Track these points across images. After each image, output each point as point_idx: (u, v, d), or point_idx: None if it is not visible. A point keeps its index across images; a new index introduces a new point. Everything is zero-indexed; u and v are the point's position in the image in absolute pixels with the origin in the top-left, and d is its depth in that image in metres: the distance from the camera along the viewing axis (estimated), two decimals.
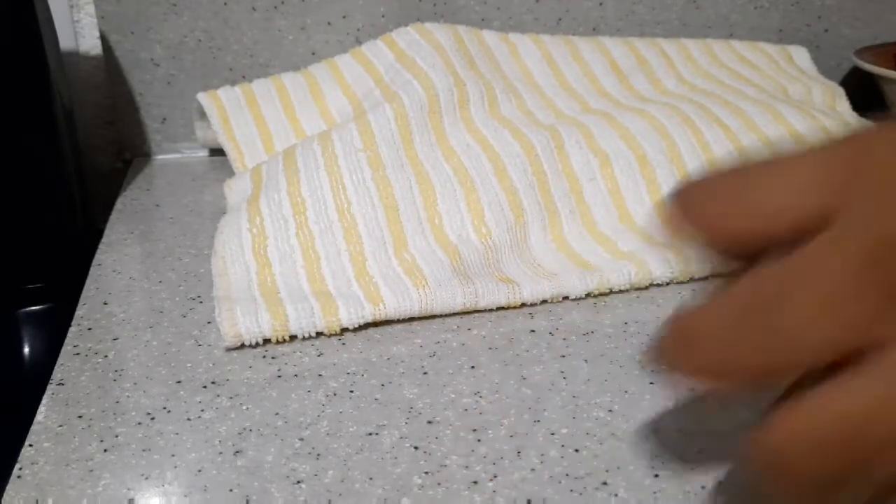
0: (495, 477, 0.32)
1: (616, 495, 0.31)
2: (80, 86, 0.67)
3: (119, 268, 0.50)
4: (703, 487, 0.31)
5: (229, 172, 0.60)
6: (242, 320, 0.41)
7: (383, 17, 0.66)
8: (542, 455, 0.33)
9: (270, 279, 0.45)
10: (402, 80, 0.55)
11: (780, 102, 0.58)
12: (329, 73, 0.62)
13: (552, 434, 0.34)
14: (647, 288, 0.46)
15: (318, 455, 0.33)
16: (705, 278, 0.46)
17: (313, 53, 0.66)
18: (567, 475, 0.32)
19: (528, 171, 0.51)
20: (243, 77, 0.66)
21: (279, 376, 0.39)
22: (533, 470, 0.32)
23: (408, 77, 0.55)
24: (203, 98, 0.61)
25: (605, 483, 0.32)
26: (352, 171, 0.49)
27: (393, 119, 0.52)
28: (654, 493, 0.31)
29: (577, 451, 0.33)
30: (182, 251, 0.52)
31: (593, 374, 0.38)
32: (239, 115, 0.61)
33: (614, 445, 0.34)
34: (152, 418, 0.36)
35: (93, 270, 0.49)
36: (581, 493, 0.31)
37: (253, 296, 0.43)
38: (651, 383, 0.38)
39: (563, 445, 0.34)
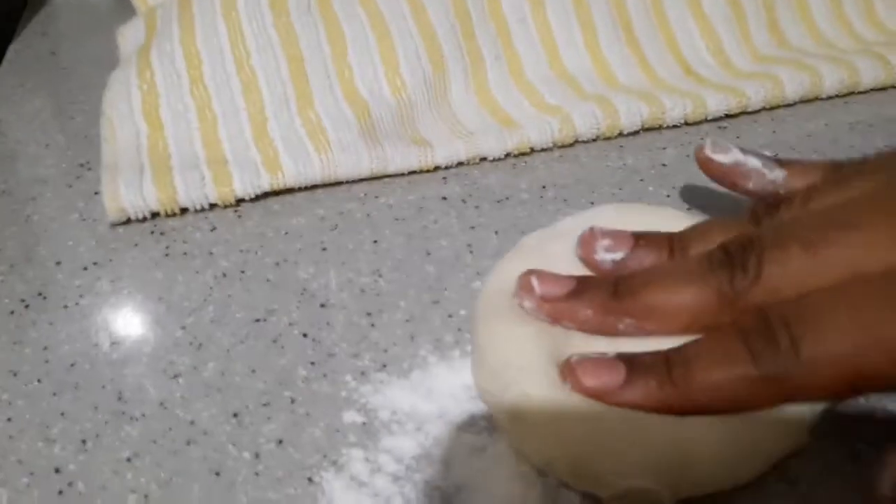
0: (384, 367, 0.30)
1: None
2: None
3: (4, 129, 0.45)
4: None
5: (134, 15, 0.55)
6: (126, 193, 0.37)
7: None
8: (437, 340, 0.31)
9: (162, 143, 0.41)
10: None
11: None
12: None
13: (449, 317, 0.32)
14: (571, 145, 0.42)
15: (200, 345, 0.32)
16: (635, 133, 0.43)
17: None
18: (460, 360, 0.30)
19: (449, 13, 0.46)
20: None
21: (167, 255, 0.36)
22: (424, 358, 0.31)
23: None
24: None
25: None
26: (251, 17, 0.44)
27: None
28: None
29: None
30: (75, 108, 0.47)
31: (502, 246, 0.36)
32: None
33: None
34: (27, 306, 0.34)
35: None
36: (472, 383, 0.30)
37: (140, 164, 0.39)
38: None
39: (459, 329, 0.32)
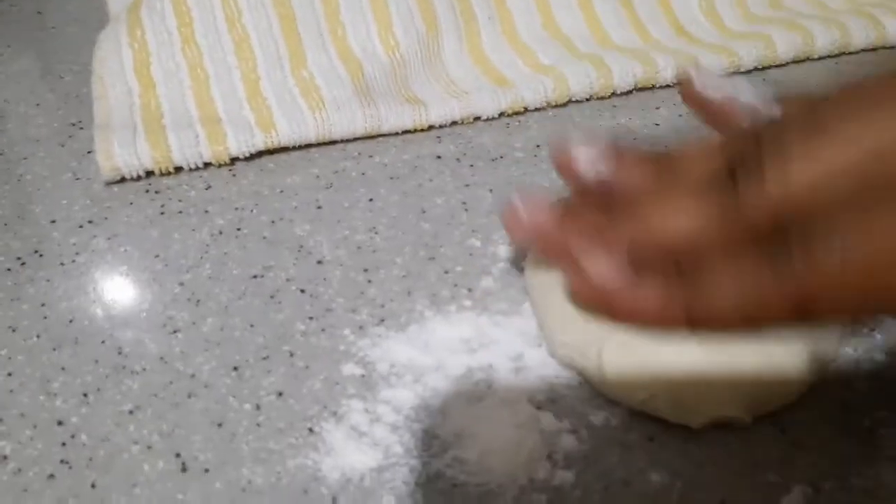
0: (382, 321, 0.31)
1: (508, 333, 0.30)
2: None
3: None
4: None
5: None
6: (119, 152, 0.37)
7: None
8: (434, 295, 0.32)
9: (154, 102, 0.41)
10: None
11: None
12: None
13: (446, 272, 0.33)
14: (565, 105, 0.42)
15: (198, 301, 0.32)
16: (628, 92, 0.43)
17: None
18: (457, 314, 0.31)
19: None
20: None
21: (162, 213, 0.36)
22: (421, 313, 0.31)
23: None
24: None
25: (496, 324, 0.30)
26: None
27: None
28: None
29: (470, 290, 0.32)
30: (64, 68, 0.47)
31: (497, 204, 0.36)
32: None
33: (509, 282, 0.32)
34: (23, 263, 0.34)
35: None
36: (469, 337, 0.30)
37: (133, 122, 0.39)
38: None
39: (455, 285, 0.32)
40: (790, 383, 0.26)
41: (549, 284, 0.29)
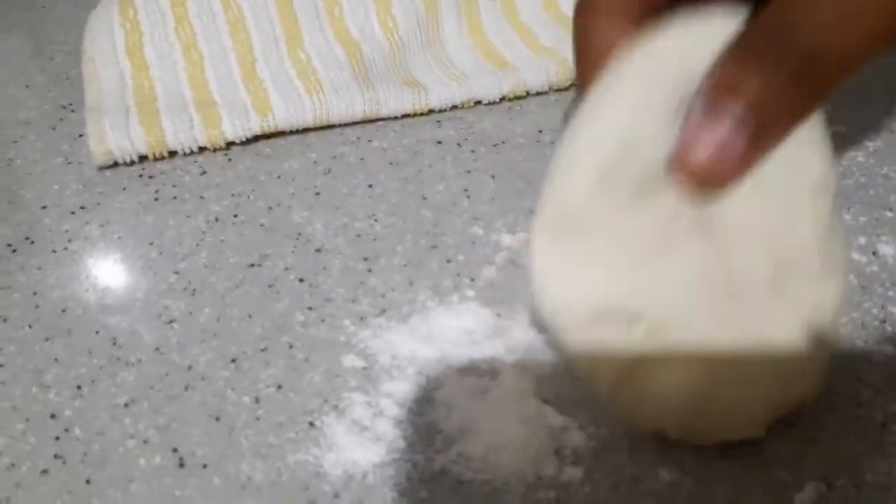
0: (383, 312, 0.30)
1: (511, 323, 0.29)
2: None
3: None
4: None
5: None
6: (112, 135, 0.36)
7: None
8: (436, 285, 0.31)
9: (148, 84, 0.40)
10: None
11: None
12: None
13: (448, 262, 0.32)
14: (567, 89, 0.42)
15: (194, 290, 0.31)
16: None
17: None
18: (459, 305, 0.30)
19: None
20: None
21: (156, 199, 0.35)
22: (424, 303, 0.30)
23: None
24: None
25: (498, 315, 0.30)
26: None
27: None
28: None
29: (472, 279, 0.31)
30: (54, 48, 0.46)
31: (499, 190, 0.35)
32: None
33: (513, 272, 0.31)
34: (13, 251, 0.33)
35: None
36: (472, 328, 0.29)
37: (126, 105, 0.38)
38: None
39: (458, 274, 0.31)
40: (809, 380, 0.24)
41: None
